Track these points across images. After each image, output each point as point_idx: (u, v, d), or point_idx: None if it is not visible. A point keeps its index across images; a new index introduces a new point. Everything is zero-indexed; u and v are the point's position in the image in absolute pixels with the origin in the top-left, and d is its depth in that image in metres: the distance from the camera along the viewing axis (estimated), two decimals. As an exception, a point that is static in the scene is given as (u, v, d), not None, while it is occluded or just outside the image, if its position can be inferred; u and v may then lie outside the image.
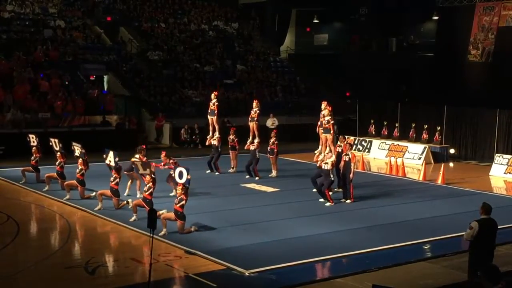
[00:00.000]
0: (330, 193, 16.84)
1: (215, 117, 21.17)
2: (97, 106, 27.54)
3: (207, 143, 21.55)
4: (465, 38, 29.54)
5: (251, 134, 20.77)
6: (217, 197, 17.30)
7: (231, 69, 34.89)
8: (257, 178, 20.01)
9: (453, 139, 26.31)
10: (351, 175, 16.74)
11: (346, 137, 18.89)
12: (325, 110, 18.00)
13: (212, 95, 21.52)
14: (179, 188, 13.43)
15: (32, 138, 18.96)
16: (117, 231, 13.91)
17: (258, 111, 21.02)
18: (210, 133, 21.27)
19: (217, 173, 20.96)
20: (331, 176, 16.60)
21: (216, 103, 21.20)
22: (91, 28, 34.06)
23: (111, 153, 15.89)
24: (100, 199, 15.55)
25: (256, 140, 20.42)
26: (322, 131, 18.07)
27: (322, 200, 16.73)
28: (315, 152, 18.45)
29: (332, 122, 17.86)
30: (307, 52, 39.94)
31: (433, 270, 11.54)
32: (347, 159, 16.83)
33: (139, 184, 16.66)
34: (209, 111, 21.32)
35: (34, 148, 18.77)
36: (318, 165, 17.16)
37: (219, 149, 21.00)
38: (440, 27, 32.36)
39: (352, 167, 16.72)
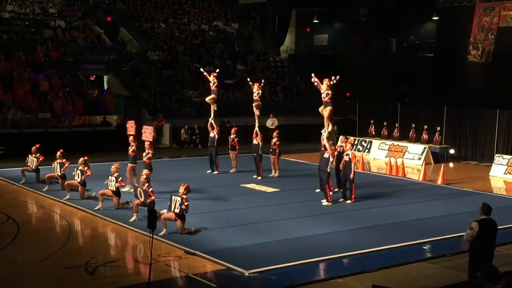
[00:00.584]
0: (330, 193, 16.84)
1: (215, 96, 20.99)
2: (97, 106, 27.56)
3: (208, 125, 21.22)
4: (465, 38, 29.54)
5: (256, 118, 20.78)
6: (217, 197, 17.28)
7: (231, 69, 34.88)
8: (259, 177, 19.99)
9: (453, 139, 26.32)
10: (351, 175, 16.75)
11: (348, 137, 18.83)
12: (324, 85, 17.26)
13: (212, 77, 21.05)
14: (182, 188, 13.41)
15: (30, 159, 18.84)
16: (117, 231, 13.91)
17: (260, 93, 20.76)
18: (211, 114, 21.06)
19: (215, 172, 20.93)
20: (328, 167, 16.52)
21: (216, 84, 21.04)
22: (91, 28, 34.07)
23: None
24: (100, 199, 15.56)
25: (257, 113, 20.41)
26: (324, 108, 17.38)
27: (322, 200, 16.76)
28: (321, 132, 17.45)
29: (331, 95, 17.11)
30: (307, 52, 39.95)
31: (433, 270, 11.54)
32: (347, 159, 16.82)
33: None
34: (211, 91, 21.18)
35: (33, 148, 18.77)
36: (322, 144, 17.00)
37: (215, 143, 20.76)
38: (440, 28, 32.37)
39: (352, 167, 16.72)
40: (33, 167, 18.59)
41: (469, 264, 9.87)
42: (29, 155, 18.79)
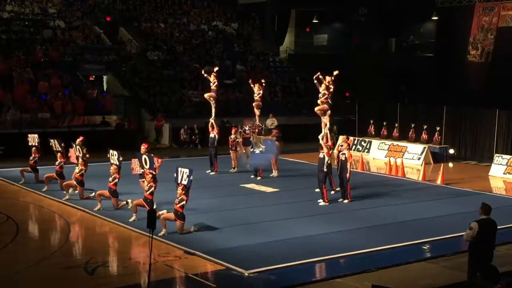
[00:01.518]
0: (332, 192, 16.79)
1: (214, 94, 20.98)
2: (97, 106, 27.56)
3: (209, 124, 21.16)
4: (464, 38, 29.58)
5: (257, 118, 20.76)
6: (217, 197, 17.29)
7: (231, 69, 34.88)
8: (258, 178, 19.98)
9: (452, 139, 26.32)
10: (347, 175, 16.72)
11: (348, 137, 18.82)
12: (322, 85, 17.28)
13: (212, 76, 20.99)
14: (180, 188, 13.41)
15: (31, 137, 18.90)
16: (117, 231, 13.91)
17: (260, 93, 20.86)
18: (213, 114, 21.02)
19: (212, 173, 20.89)
20: (324, 166, 16.51)
21: (216, 83, 21.01)
22: (91, 28, 34.05)
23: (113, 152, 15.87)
24: (99, 199, 15.55)
25: (257, 113, 20.51)
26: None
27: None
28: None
29: (327, 95, 17.20)
30: (306, 52, 39.93)
31: (433, 270, 11.55)
32: (343, 158, 16.81)
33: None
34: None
35: (33, 148, 18.76)
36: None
37: (215, 143, 20.75)
38: (440, 28, 32.42)
39: (348, 167, 16.69)
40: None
41: (468, 264, 9.87)
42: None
